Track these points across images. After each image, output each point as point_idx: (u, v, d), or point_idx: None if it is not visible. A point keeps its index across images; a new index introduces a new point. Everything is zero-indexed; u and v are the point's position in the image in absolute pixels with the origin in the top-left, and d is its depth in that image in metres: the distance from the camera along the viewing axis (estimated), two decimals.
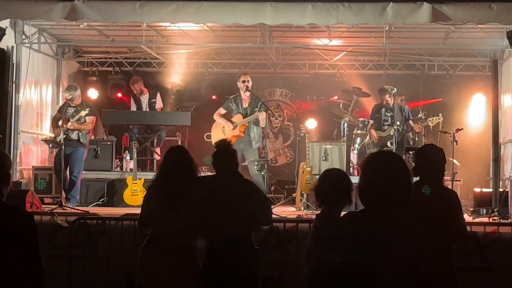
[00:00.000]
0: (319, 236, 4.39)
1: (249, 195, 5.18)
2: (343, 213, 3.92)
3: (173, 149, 5.41)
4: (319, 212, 4.69)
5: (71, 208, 9.37)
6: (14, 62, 10.25)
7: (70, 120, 9.84)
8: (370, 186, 3.25)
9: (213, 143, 10.21)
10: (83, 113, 9.89)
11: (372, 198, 3.24)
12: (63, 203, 9.40)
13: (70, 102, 9.98)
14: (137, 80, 12.53)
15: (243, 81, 10.03)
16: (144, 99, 12.50)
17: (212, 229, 5.07)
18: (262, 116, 9.79)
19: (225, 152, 5.38)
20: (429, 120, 10.71)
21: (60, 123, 9.99)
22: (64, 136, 9.78)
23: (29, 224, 3.70)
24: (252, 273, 5.09)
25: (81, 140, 10.03)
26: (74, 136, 9.96)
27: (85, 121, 10.00)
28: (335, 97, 13.22)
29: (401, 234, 3.16)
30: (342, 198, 4.51)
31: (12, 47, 10.16)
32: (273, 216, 8.66)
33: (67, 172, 10.04)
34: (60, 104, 12.37)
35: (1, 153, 3.86)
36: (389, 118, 10.67)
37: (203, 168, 11.55)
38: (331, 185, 4.56)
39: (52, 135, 11.78)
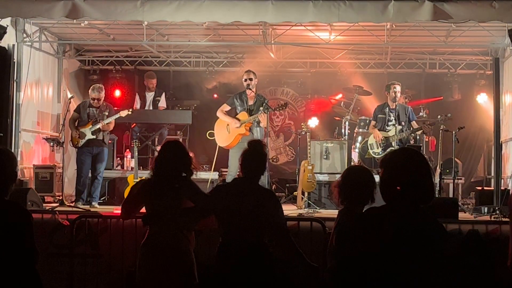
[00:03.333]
0: (342, 232, 4.40)
1: (262, 202, 4.95)
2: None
3: (168, 144, 5.38)
4: (341, 208, 4.68)
5: (90, 207, 9.55)
6: (15, 60, 10.22)
7: (101, 121, 9.94)
8: (391, 183, 3.27)
9: (216, 141, 10.22)
10: (123, 113, 10.01)
11: (393, 194, 3.25)
12: (64, 202, 9.44)
13: (92, 102, 10.08)
14: (155, 76, 12.68)
15: (245, 79, 9.93)
16: (150, 96, 12.55)
17: (224, 231, 4.96)
18: (263, 117, 9.70)
19: (253, 154, 5.10)
20: (439, 120, 10.33)
21: (77, 123, 10.10)
22: (93, 137, 9.89)
23: (26, 221, 3.73)
24: (268, 275, 4.88)
25: (104, 140, 10.15)
26: (100, 136, 10.06)
27: (109, 122, 10.11)
28: (340, 95, 13.20)
29: (421, 230, 3.17)
30: (365, 196, 4.52)
31: (13, 45, 10.12)
32: None
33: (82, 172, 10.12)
34: (61, 103, 12.41)
35: (8, 152, 3.91)
36: (394, 118, 10.65)
37: (204, 167, 11.61)
38: (354, 182, 4.57)
39: (53, 134, 11.83)
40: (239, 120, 9.81)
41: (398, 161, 3.33)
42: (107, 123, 10.01)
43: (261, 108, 9.72)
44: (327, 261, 4.57)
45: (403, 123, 10.49)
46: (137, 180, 10.29)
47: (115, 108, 10.70)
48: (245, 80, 9.91)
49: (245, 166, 5.07)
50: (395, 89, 10.58)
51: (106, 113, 10.10)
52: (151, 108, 12.49)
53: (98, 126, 9.93)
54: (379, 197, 3.43)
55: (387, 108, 10.75)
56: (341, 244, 4.30)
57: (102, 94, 10.19)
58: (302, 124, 11.09)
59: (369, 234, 3.22)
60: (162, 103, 12.57)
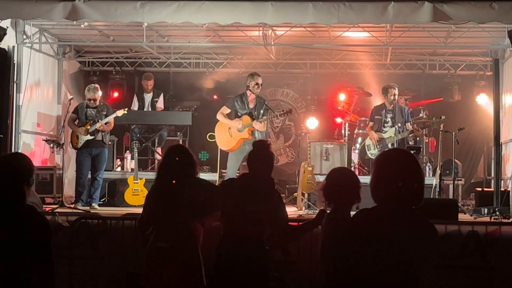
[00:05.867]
0: (332, 234, 4.40)
1: (261, 196, 5.11)
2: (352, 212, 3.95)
3: (172, 148, 5.38)
4: (329, 211, 4.69)
5: (90, 208, 9.54)
6: (15, 62, 10.23)
7: (98, 121, 9.91)
8: (383, 183, 3.26)
9: (217, 143, 10.19)
10: (119, 112, 9.99)
11: (384, 195, 3.24)
12: (64, 203, 9.44)
13: (89, 103, 10.07)
14: (152, 77, 12.64)
15: (257, 84, 9.70)
16: (148, 97, 12.54)
17: (224, 227, 5.10)
18: (260, 124, 9.58)
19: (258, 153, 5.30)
20: (432, 123, 10.55)
21: (76, 123, 10.09)
22: (92, 137, 9.88)
23: (43, 225, 3.69)
24: (263, 271, 5.02)
25: (104, 140, 10.11)
26: (99, 137, 10.02)
27: (108, 122, 10.07)
28: (340, 96, 13.19)
29: (413, 231, 3.16)
30: (351, 197, 4.52)
31: (13, 47, 10.13)
32: None
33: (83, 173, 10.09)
34: (61, 103, 12.41)
35: (19, 158, 3.89)
36: (390, 119, 10.63)
37: (204, 168, 11.60)
38: (339, 184, 4.57)
39: (53, 135, 11.83)
40: (241, 122, 9.68)
41: (389, 161, 3.32)
42: (105, 123, 9.98)
43: (262, 111, 9.65)
44: (319, 264, 4.56)
45: (399, 124, 10.44)
46: (137, 182, 10.35)
47: (114, 109, 10.71)
48: (257, 84, 9.68)
49: (252, 165, 5.26)
50: (394, 92, 10.54)
51: (104, 113, 10.05)
52: (149, 109, 12.49)
53: (96, 126, 9.91)
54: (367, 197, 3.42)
55: (384, 110, 10.71)
56: (331, 247, 4.29)
57: (98, 94, 10.14)
58: (302, 125, 11.09)
59: (362, 236, 3.21)
60: (160, 103, 12.57)
